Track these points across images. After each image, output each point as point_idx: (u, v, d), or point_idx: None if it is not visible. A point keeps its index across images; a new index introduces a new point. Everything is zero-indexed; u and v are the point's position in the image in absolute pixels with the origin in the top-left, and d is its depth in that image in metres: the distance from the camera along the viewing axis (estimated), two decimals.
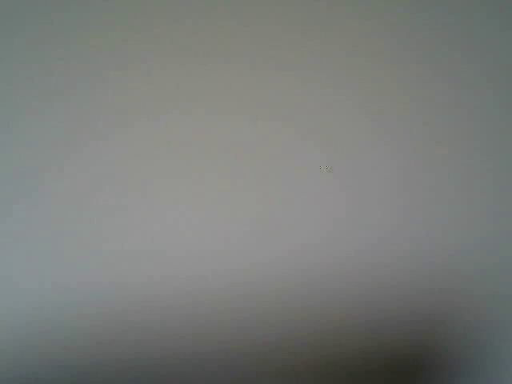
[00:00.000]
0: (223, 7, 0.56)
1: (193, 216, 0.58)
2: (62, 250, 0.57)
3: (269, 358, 0.61)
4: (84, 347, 0.58)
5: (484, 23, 0.60)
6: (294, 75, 0.58)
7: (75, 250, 0.57)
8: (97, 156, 0.56)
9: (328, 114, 0.59)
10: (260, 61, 0.57)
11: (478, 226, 0.62)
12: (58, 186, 0.56)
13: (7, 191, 0.56)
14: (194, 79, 0.57)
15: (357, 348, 0.61)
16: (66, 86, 0.55)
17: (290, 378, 0.61)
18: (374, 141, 0.59)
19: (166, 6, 0.55)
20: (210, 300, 0.59)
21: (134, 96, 0.56)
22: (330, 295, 0.61)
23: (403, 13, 0.59)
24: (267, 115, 0.58)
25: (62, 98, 0.55)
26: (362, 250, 0.60)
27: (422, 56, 0.59)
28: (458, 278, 0.62)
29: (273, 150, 0.58)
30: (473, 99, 0.60)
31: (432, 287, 0.61)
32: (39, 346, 0.58)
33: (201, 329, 0.60)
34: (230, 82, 0.57)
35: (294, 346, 0.61)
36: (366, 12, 0.58)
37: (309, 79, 0.58)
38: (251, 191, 0.59)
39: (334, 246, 0.60)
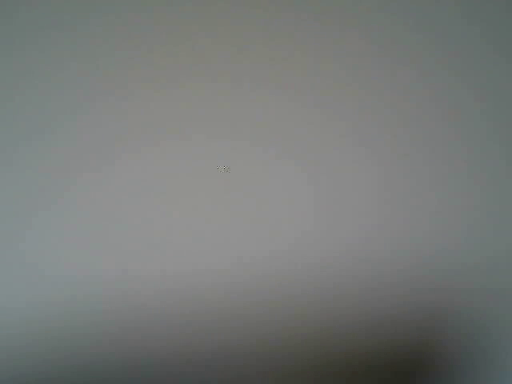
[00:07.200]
0: (222, 28, 0.57)
1: (189, 218, 0.58)
2: (61, 250, 0.57)
3: (268, 357, 0.61)
4: (82, 347, 0.58)
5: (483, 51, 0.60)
6: (281, 92, 0.58)
7: (75, 249, 0.57)
8: (102, 164, 0.57)
9: (311, 124, 0.59)
10: (251, 80, 0.57)
11: (477, 224, 0.62)
12: (72, 194, 0.56)
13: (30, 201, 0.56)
14: (194, 103, 0.57)
15: (356, 347, 0.61)
16: (69, 106, 0.55)
17: (289, 377, 0.61)
18: (360, 142, 0.60)
19: (166, 25, 0.56)
20: (210, 300, 0.59)
21: (136, 112, 0.56)
22: (330, 294, 0.61)
23: (402, 29, 0.59)
24: (258, 126, 0.58)
25: (62, 125, 0.55)
26: (360, 249, 0.60)
27: (411, 59, 0.59)
28: (457, 276, 0.62)
29: (260, 158, 0.59)
30: (461, 104, 0.60)
31: (431, 285, 0.61)
32: (39, 345, 0.58)
33: (200, 328, 0.60)
34: (228, 103, 0.57)
35: (293, 345, 0.61)
36: (360, 22, 0.58)
37: (295, 93, 0.58)
38: (245, 194, 0.59)
39: (333, 246, 0.60)
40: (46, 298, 0.57)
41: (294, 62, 0.58)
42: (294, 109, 0.58)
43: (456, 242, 0.61)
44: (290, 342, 0.61)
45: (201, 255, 0.59)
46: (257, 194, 0.59)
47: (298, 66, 0.58)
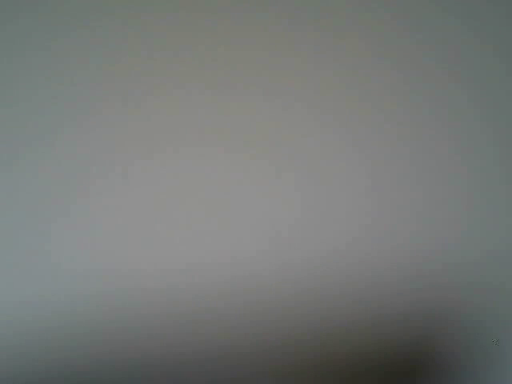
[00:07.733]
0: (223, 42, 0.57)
1: (189, 218, 0.59)
2: (61, 250, 0.57)
3: (269, 357, 0.61)
4: (82, 346, 0.58)
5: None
6: (277, 100, 0.58)
7: (75, 249, 0.57)
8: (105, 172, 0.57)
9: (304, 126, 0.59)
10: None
11: (477, 224, 0.62)
12: (71, 194, 0.57)
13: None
14: (195, 111, 0.57)
15: (356, 347, 0.61)
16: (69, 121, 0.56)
17: (289, 378, 0.61)
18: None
19: (166, 31, 0.56)
20: (210, 300, 0.59)
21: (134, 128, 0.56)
22: (330, 295, 0.61)
23: (399, 36, 0.59)
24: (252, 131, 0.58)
25: (62, 134, 0.56)
26: (361, 249, 0.60)
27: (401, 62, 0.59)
28: (457, 276, 0.62)
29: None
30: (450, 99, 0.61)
31: (431, 285, 0.62)
32: (38, 345, 0.58)
33: (200, 328, 0.60)
34: (228, 110, 0.58)
35: (293, 345, 0.61)
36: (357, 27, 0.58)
37: (294, 100, 0.58)
38: (245, 194, 0.59)
39: (333, 246, 0.60)
40: (46, 297, 0.57)
41: (291, 69, 0.58)
42: (294, 118, 0.58)
43: (456, 241, 0.61)
44: (290, 342, 0.61)
45: (201, 255, 0.59)
46: (256, 194, 0.59)
47: (293, 72, 0.58)
